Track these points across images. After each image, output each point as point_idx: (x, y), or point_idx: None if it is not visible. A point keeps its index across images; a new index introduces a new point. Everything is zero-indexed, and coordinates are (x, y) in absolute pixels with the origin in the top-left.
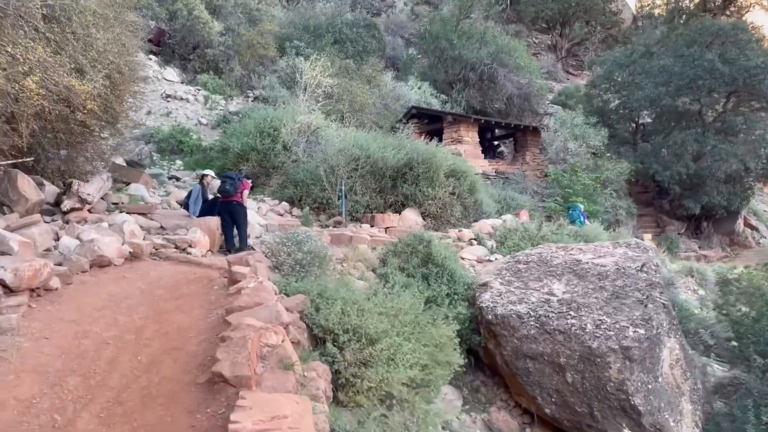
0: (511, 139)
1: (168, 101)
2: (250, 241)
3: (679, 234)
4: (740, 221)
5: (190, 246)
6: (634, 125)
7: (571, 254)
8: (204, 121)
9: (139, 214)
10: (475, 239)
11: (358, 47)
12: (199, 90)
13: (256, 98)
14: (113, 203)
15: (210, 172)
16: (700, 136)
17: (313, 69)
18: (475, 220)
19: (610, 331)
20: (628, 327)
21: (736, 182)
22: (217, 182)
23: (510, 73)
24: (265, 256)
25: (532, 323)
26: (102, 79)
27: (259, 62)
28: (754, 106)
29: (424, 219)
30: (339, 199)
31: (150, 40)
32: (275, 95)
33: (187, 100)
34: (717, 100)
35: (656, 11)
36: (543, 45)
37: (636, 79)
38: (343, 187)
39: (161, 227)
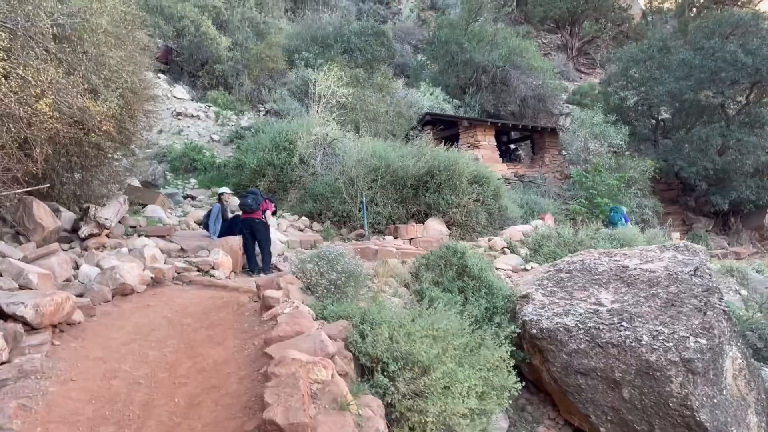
0: (527, 141)
1: (179, 119)
2: (273, 260)
3: (706, 231)
4: None
5: (212, 268)
6: (653, 122)
7: (616, 260)
8: (216, 137)
9: (158, 236)
10: (507, 248)
11: (367, 56)
12: (209, 106)
13: (267, 112)
14: (131, 226)
15: (227, 190)
16: (724, 129)
17: (326, 79)
18: (501, 227)
19: (668, 342)
20: (688, 337)
21: (764, 175)
22: (236, 199)
23: (523, 74)
24: (295, 276)
25: (581, 336)
26: (116, 98)
27: (269, 76)
28: None
29: (449, 228)
30: (360, 211)
31: (157, 59)
32: (287, 108)
33: (198, 117)
34: (740, 92)
35: (665, 5)
36: (552, 45)
37: (655, 75)
38: (364, 199)
39: (181, 249)
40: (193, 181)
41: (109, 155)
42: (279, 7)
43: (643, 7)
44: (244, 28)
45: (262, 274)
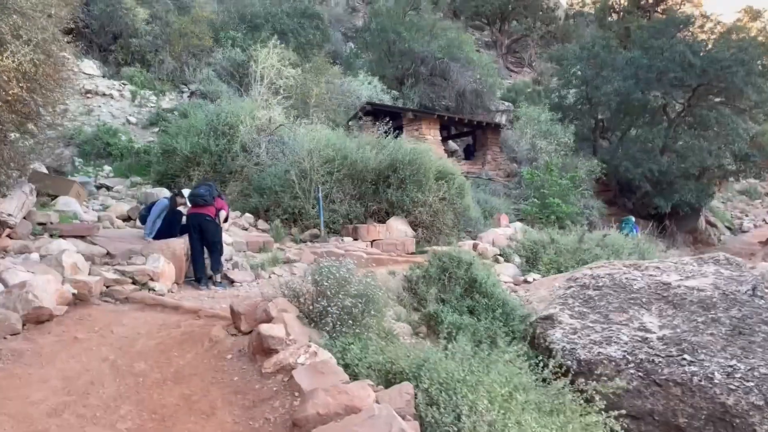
0: (464, 138)
1: (88, 97)
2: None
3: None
4: (702, 219)
5: (151, 279)
6: (593, 122)
7: (651, 275)
8: (133, 119)
9: (77, 237)
10: (500, 255)
11: (300, 39)
12: (124, 85)
13: (192, 94)
14: (39, 223)
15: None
16: (670, 131)
17: (269, 56)
18: (466, 229)
19: (748, 381)
20: None
21: (703, 178)
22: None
23: (462, 67)
24: (288, 300)
25: (632, 371)
26: (31, 51)
27: (192, 54)
28: (713, 101)
29: (413, 229)
30: (314, 208)
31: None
32: (215, 90)
33: (111, 96)
34: (683, 93)
35: (585, 9)
36: (481, 42)
37: (602, 73)
38: (320, 194)
39: (108, 254)
40: (107, 168)
41: (11, 133)
42: None
43: (566, 9)
44: (164, 0)
45: (212, 286)
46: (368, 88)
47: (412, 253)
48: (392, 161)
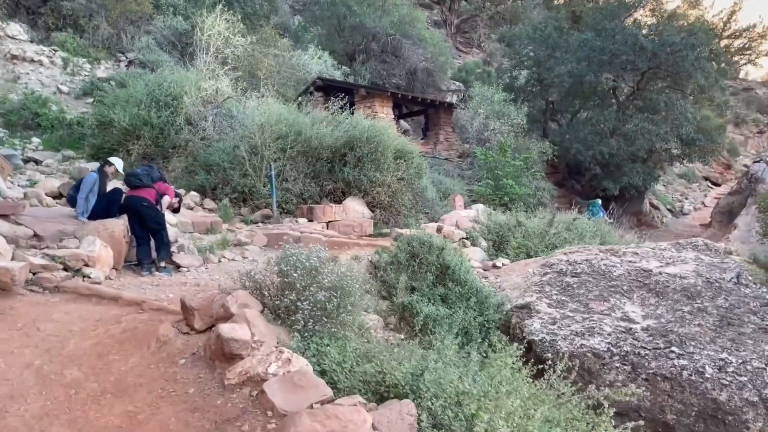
0: (415, 117)
1: (14, 63)
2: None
3: None
4: (647, 201)
5: (86, 265)
6: (544, 103)
7: (630, 262)
8: (65, 88)
9: None
10: (466, 238)
11: (247, 9)
12: (55, 51)
13: (130, 63)
14: None
15: (118, 163)
16: (619, 114)
17: (217, 23)
18: (423, 210)
19: (741, 375)
20: (764, 368)
21: (650, 161)
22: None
23: (414, 45)
24: (249, 292)
25: (617, 365)
26: None
27: (130, 20)
28: (660, 85)
29: (371, 210)
30: (266, 186)
31: None
32: (156, 59)
33: (41, 63)
34: (633, 77)
35: None
36: (430, 21)
37: (555, 54)
38: (272, 172)
39: (36, 236)
40: (36, 140)
41: None
42: None
43: None
44: None
45: (155, 272)
46: (318, 63)
47: (371, 235)
48: (349, 138)
